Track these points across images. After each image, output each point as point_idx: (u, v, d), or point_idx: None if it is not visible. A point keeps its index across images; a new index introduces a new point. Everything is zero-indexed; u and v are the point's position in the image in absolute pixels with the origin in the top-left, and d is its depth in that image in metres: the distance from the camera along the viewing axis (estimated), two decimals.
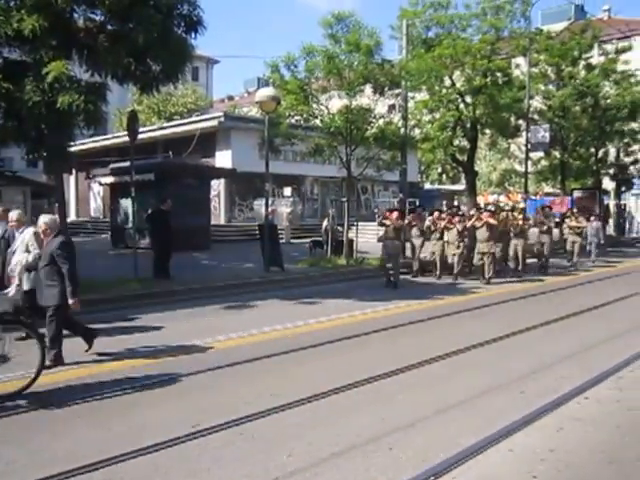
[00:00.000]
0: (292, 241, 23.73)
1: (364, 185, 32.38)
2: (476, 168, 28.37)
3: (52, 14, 11.18)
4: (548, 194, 34.98)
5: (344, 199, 19.62)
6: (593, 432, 4.97)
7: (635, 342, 8.10)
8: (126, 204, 20.59)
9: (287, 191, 28.90)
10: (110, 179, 22.57)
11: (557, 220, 19.31)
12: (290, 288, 13.17)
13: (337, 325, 9.35)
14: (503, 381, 6.29)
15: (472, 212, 16.72)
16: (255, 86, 53.96)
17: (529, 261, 17.41)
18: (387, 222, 13.97)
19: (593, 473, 4.27)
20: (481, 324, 9.56)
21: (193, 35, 12.54)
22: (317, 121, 18.62)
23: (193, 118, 31.18)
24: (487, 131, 26.24)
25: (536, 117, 27.72)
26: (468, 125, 23.65)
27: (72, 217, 33.68)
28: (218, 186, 27.34)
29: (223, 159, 27.68)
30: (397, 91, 19.03)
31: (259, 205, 25.53)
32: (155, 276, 13.08)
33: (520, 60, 26.28)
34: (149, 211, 14.73)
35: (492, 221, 14.91)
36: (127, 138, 13.72)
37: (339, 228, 19.05)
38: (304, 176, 30.55)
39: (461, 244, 15.14)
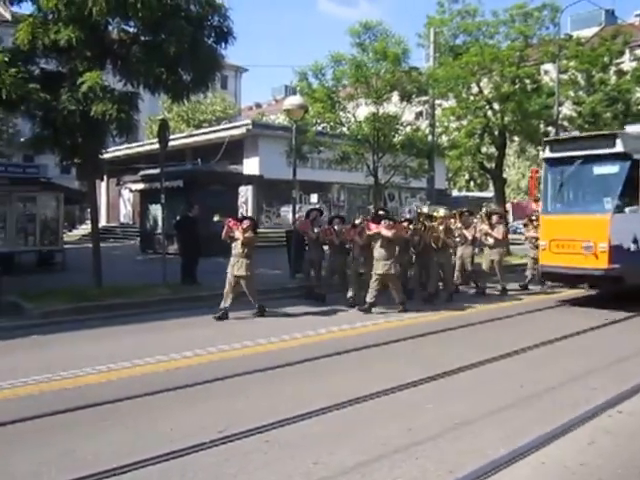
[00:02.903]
0: None
1: (391, 192, 32.31)
2: (505, 175, 28.12)
3: (87, 26, 11.47)
4: None
5: (371, 206, 19.62)
6: (625, 446, 4.88)
7: None
8: (155, 210, 20.95)
9: (314, 198, 29.02)
10: (140, 186, 22.97)
11: (485, 229, 13.94)
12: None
13: (350, 335, 9.34)
14: (533, 392, 6.21)
15: (357, 221, 12.69)
16: (282, 94, 54.45)
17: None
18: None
19: None
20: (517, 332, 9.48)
21: (223, 45, 12.75)
22: (344, 129, 18.72)
23: (222, 126, 31.56)
24: (515, 138, 26.00)
25: (566, 124, 27.36)
26: (496, 132, 23.47)
27: (103, 222, 34.27)
28: (246, 193, 27.58)
29: (251, 166, 27.93)
30: (424, 98, 19.07)
31: (286, 212, 25.70)
32: (183, 281, 13.26)
33: (549, 67, 26.01)
34: (177, 217, 14.95)
35: (386, 233, 10.97)
36: (157, 146, 13.97)
37: None
38: (331, 183, 30.64)
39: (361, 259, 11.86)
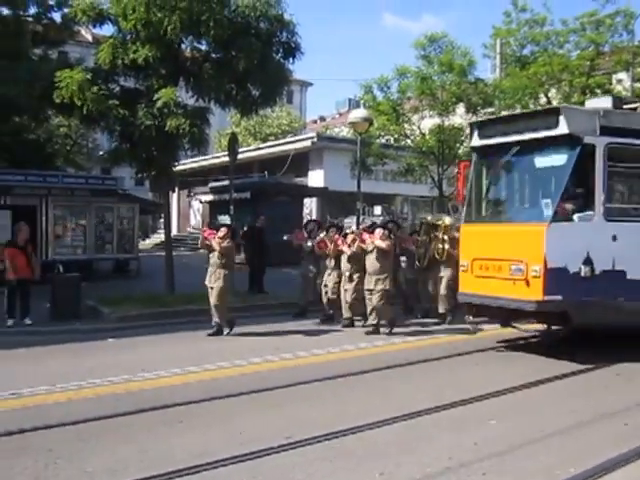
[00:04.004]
0: None
1: (455, 204, 31.96)
2: None
3: (163, 45, 12.13)
4: None
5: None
6: None
7: None
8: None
9: (377, 210, 29.10)
10: (209, 197, 23.75)
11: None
12: None
13: (421, 346, 9.30)
14: (604, 411, 5.98)
15: (348, 231, 11.80)
16: (346, 107, 54.79)
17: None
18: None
19: None
20: None
21: (291, 60, 13.14)
22: (409, 141, 18.79)
23: (287, 139, 32.18)
24: None
25: None
26: None
27: (174, 232, 35.46)
28: (310, 204, 27.98)
29: (315, 178, 28.34)
30: (490, 110, 18.85)
31: (349, 223, 25.89)
32: (250, 290, 13.65)
33: (622, 75, 25.18)
34: (245, 228, 15.41)
35: (381, 244, 10.00)
36: (225, 158, 14.54)
37: None
38: (395, 195, 30.63)
39: (355, 275, 10.44)
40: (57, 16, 19.85)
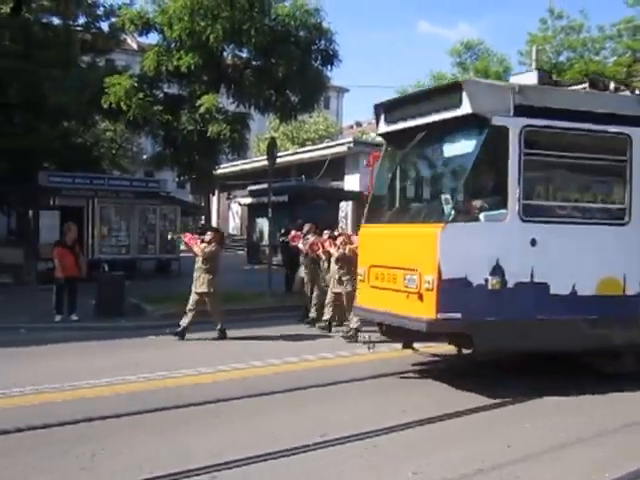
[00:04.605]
0: None
1: None
2: None
3: (206, 53, 12.57)
4: None
5: None
6: None
7: None
8: (262, 223, 21.95)
9: None
10: (248, 200, 24.17)
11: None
12: None
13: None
14: None
15: (325, 235, 11.11)
16: None
17: None
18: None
19: None
20: None
21: (329, 67, 13.43)
22: None
23: (324, 144, 32.46)
24: None
25: None
26: None
27: None
28: (346, 208, 28.17)
29: (351, 182, 28.48)
30: None
31: None
32: (287, 291, 13.92)
33: None
34: (282, 230, 15.71)
35: (332, 251, 10.23)
36: (264, 162, 14.85)
37: None
38: None
39: (344, 278, 9.97)
40: (105, 25, 20.67)
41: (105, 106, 12.83)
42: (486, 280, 6.26)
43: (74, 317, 11.22)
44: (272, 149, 14.52)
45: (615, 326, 6.72)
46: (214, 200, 38.45)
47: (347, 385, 7.03)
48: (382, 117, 7.72)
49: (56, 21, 19.98)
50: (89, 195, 17.63)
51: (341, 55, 13.43)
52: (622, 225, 6.83)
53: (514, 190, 6.37)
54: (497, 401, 6.28)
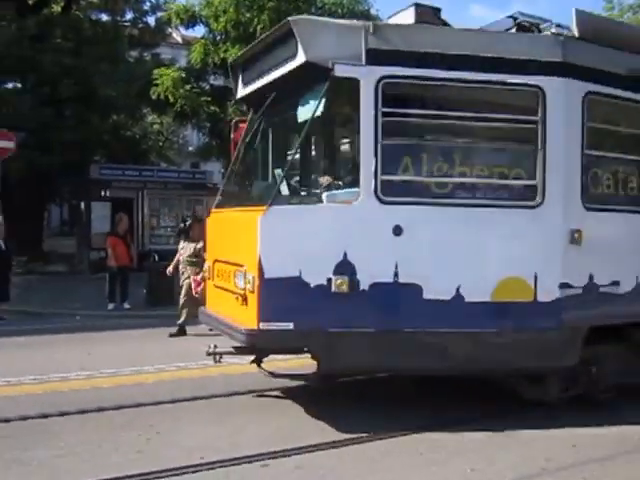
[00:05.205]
0: None
1: None
2: None
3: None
4: None
5: None
6: None
7: None
8: None
9: None
10: None
11: None
12: None
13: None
14: None
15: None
16: None
17: None
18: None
19: None
20: None
21: None
22: None
23: None
24: None
25: None
26: None
27: None
28: None
29: None
30: None
31: None
32: None
33: None
34: None
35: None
36: None
37: None
38: None
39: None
40: (151, 20, 21.04)
41: (153, 97, 13.08)
42: (329, 280, 4.76)
43: (126, 305, 11.53)
44: None
45: (521, 344, 5.05)
46: None
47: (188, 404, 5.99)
48: (239, 77, 6.29)
49: (105, 17, 20.46)
50: (138, 187, 18.06)
51: None
52: (532, 207, 5.05)
53: (368, 162, 4.78)
54: (352, 436, 4.91)
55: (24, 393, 6.19)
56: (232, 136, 6.85)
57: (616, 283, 5.41)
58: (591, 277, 5.27)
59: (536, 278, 5.03)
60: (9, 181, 15.93)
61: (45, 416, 5.33)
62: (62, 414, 5.38)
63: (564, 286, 5.11)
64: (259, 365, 5.82)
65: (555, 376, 5.37)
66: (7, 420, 5.19)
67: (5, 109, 17.39)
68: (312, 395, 5.89)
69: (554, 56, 5.08)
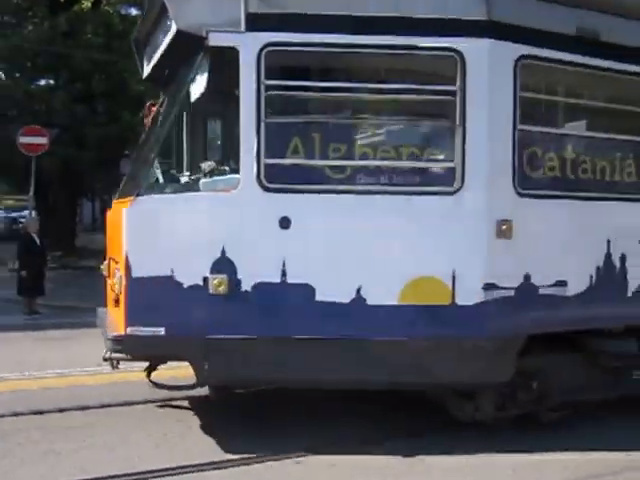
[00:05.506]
0: None
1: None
2: None
3: None
4: None
5: None
6: None
7: None
8: None
9: None
10: None
11: None
12: None
13: None
14: None
15: None
16: None
17: None
18: None
19: None
20: None
21: None
22: None
23: None
24: None
25: None
26: None
27: None
28: None
29: None
30: None
31: None
32: None
33: None
34: None
35: None
36: None
37: None
38: None
39: None
40: None
41: None
42: (205, 280, 4.17)
43: None
44: None
45: (437, 355, 4.30)
46: None
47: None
48: (143, 54, 5.63)
49: (134, 12, 20.54)
50: None
51: None
52: (450, 194, 4.29)
53: (250, 144, 4.12)
54: (233, 457, 4.33)
55: (61, 386, 6.26)
56: (145, 120, 5.88)
57: (562, 283, 4.52)
58: (527, 277, 4.42)
59: (454, 278, 4.25)
60: (43, 178, 16.34)
61: (83, 408, 5.35)
62: (102, 406, 5.41)
63: (490, 287, 4.29)
64: (148, 375, 5.06)
65: (488, 393, 4.55)
66: (41, 412, 5.20)
67: (38, 106, 17.77)
68: (210, 407, 5.36)
69: (476, 13, 4.21)
